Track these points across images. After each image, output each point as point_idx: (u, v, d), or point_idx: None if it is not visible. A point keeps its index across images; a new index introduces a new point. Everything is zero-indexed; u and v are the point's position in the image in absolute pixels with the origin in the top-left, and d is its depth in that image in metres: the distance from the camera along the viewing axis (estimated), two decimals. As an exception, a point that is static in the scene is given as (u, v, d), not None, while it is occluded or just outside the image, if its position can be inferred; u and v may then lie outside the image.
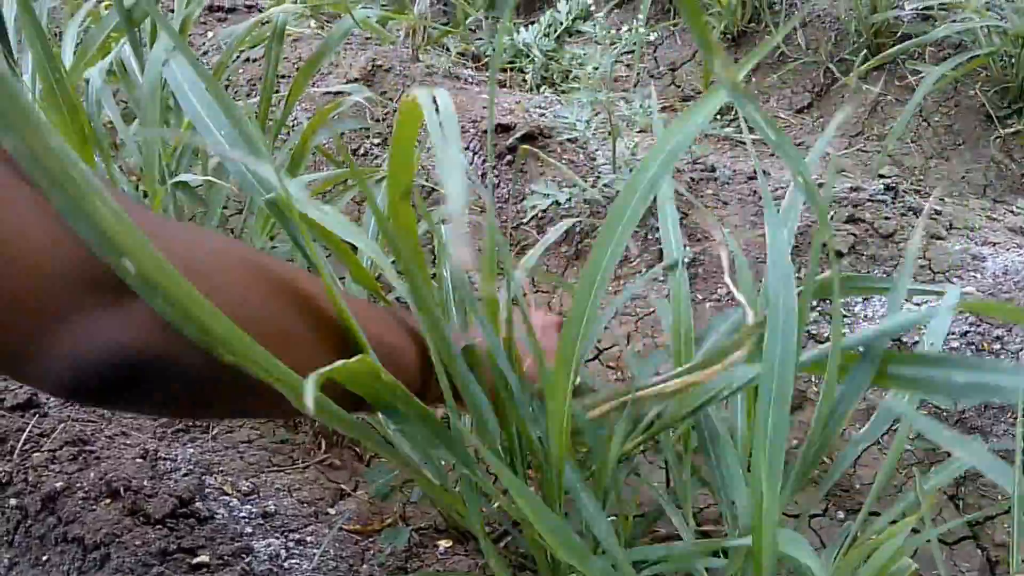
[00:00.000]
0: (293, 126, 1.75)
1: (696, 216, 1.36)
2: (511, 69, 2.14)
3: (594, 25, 2.19)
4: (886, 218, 1.37)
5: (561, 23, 2.23)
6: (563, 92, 2.10)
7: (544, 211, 1.52)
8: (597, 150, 1.64)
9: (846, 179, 1.75)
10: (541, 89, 2.09)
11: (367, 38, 1.86)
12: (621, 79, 2.17)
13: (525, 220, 1.54)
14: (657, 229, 1.25)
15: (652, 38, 2.18)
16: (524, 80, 2.11)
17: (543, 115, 1.70)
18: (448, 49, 1.94)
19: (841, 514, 1.11)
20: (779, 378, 0.56)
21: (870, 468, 1.13)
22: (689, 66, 2.13)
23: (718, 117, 1.97)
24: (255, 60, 1.98)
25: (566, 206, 1.47)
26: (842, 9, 1.87)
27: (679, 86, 2.11)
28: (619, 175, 1.41)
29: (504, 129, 1.64)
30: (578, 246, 1.48)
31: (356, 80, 1.73)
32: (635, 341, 1.32)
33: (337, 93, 1.67)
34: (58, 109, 1.08)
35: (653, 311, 1.34)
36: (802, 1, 2.01)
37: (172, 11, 1.36)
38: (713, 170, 1.57)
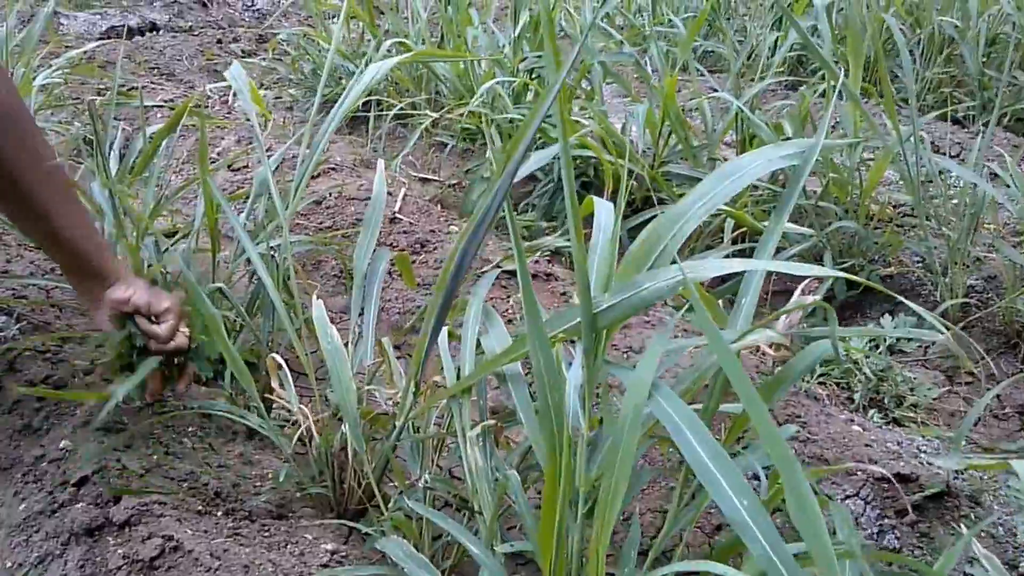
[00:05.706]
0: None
1: None
2: (834, 384, 1.93)
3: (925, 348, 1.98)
4: None
5: (885, 339, 2.04)
6: (895, 420, 1.86)
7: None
8: (1010, 517, 1.36)
9: None
10: (868, 412, 1.86)
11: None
12: (949, 411, 1.91)
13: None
14: None
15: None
16: (851, 398, 1.89)
17: (937, 468, 1.44)
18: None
19: None
20: None
21: None
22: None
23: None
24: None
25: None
26: None
27: (1032, 433, 1.83)
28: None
29: (902, 479, 1.38)
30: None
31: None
32: None
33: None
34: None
35: None
36: None
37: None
38: None
